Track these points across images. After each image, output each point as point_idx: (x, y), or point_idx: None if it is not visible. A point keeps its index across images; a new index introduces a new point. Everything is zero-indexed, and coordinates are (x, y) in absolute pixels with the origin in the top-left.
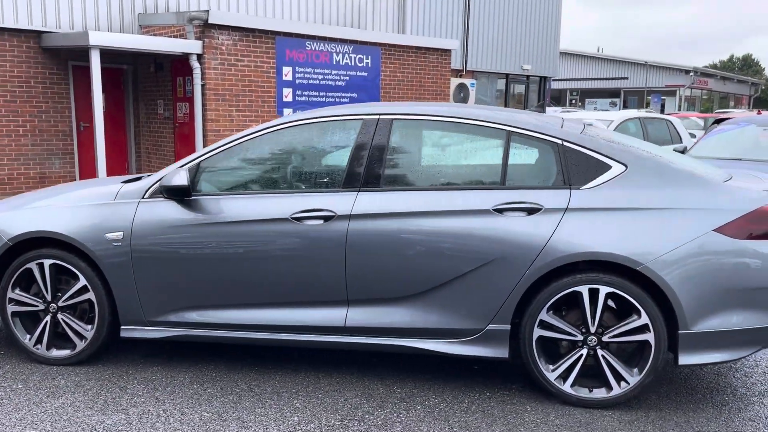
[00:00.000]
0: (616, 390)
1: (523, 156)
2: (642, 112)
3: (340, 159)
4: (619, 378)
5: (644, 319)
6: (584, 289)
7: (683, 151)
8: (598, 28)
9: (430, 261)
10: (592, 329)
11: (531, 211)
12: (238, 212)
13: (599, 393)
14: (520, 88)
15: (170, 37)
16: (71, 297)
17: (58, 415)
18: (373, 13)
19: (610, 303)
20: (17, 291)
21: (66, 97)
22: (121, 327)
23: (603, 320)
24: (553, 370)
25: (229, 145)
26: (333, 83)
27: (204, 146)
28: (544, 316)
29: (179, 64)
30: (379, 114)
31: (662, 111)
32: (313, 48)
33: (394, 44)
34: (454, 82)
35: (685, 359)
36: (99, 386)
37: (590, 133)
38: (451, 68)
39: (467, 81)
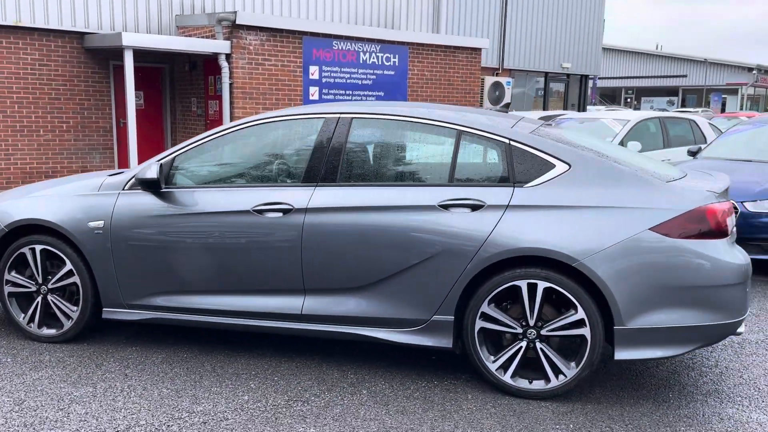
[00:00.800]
0: (554, 382)
1: (472, 154)
2: (663, 112)
3: (303, 155)
4: (557, 371)
5: (581, 314)
6: (523, 284)
7: (696, 152)
8: (660, 25)
9: (379, 253)
10: (531, 323)
11: (474, 208)
12: (206, 204)
13: (538, 385)
14: (559, 87)
15: (202, 37)
16: (59, 280)
17: (34, 386)
18: (407, 13)
19: (551, 297)
20: (13, 273)
21: (107, 95)
22: (103, 309)
23: (542, 314)
24: (494, 361)
25: (201, 141)
26: (359, 82)
27: None
28: (485, 308)
29: (211, 63)
30: (340, 113)
31: (723, 110)
32: (340, 47)
33: (422, 43)
34: (489, 80)
35: (621, 354)
36: (78, 362)
37: (541, 133)
38: (485, 67)
39: (503, 79)
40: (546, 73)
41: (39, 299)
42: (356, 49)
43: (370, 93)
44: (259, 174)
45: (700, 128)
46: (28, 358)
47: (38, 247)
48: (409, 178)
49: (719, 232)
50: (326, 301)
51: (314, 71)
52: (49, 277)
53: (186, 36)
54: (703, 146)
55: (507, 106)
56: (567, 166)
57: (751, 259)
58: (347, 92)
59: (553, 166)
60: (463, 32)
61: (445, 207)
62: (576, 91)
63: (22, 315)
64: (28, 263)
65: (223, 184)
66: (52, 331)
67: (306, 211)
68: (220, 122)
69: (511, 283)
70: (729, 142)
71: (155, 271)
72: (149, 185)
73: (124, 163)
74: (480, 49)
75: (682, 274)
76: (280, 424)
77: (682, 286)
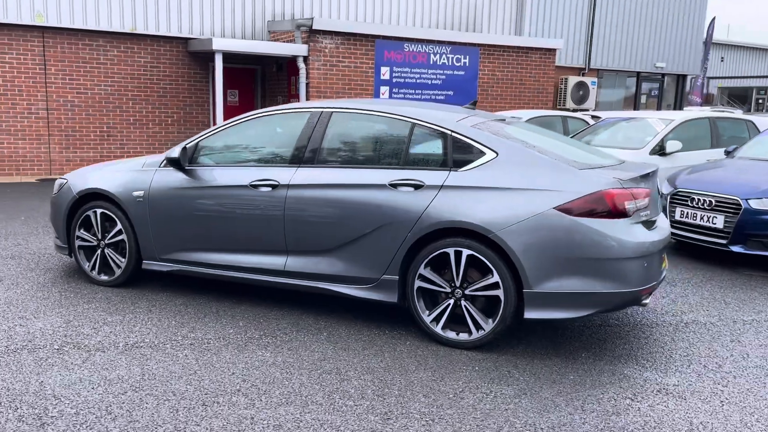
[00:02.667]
0: (475, 335)
1: (422, 143)
2: (716, 113)
3: (292, 142)
4: (477, 325)
5: (496, 278)
6: (451, 251)
7: (732, 152)
8: None
9: (342, 222)
10: (457, 284)
11: (417, 187)
12: (216, 179)
13: (463, 336)
14: (653, 87)
15: (285, 42)
16: (112, 237)
17: (81, 313)
18: (489, 15)
19: (475, 263)
20: (82, 231)
21: (206, 93)
22: (143, 261)
23: (468, 277)
24: (429, 315)
25: (219, 129)
26: (429, 82)
27: None
28: (422, 271)
29: (293, 65)
30: (323, 108)
31: None
32: (411, 49)
33: (493, 44)
34: (573, 80)
35: (529, 314)
36: (119, 300)
37: (481, 127)
38: (570, 67)
39: (588, 79)
40: (638, 73)
41: (99, 252)
42: (427, 50)
43: (440, 92)
44: (257, 156)
45: (758, 129)
46: (86, 295)
47: (98, 211)
48: (371, 161)
49: (617, 213)
50: (303, 260)
51: (385, 72)
52: (106, 235)
53: (274, 41)
54: (739, 146)
55: (474, 103)
56: (495, 154)
57: (755, 255)
58: (417, 91)
59: (483, 153)
60: (548, 33)
61: (394, 186)
62: (672, 91)
63: (87, 264)
64: (92, 223)
65: (230, 164)
66: (107, 277)
67: (288, 186)
68: None
69: (442, 250)
70: (764, 141)
71: (178, 232)
72: (173, 163)
73: None
74: (554, 50)
75: (580, 247)
76: (246, 349)
77: (581, 258)
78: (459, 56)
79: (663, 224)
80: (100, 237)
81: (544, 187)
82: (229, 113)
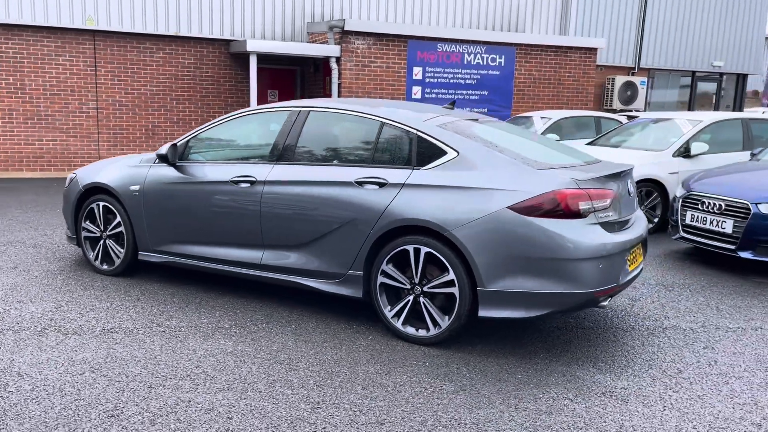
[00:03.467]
0: (432, 331)
1: (390, 141)
2: (749, 114)
3: (270, 139)
4: (435, 322)
5: (451, 275)
6: (411, 249)
7: (757, 154)
8: None
9: (312, 218)
10: (416, 281)
11: (381, 185)
12: (202, 175)
13: (421, 332)
14: (710, 87)
15: (321, 43)
16: (113, 229)
17: (73, 298)
18: (533, 14)
19: (433, 261)
20: (87, 223)
21: (246, 94)
22: (139, 252)
23: (427, 274)
24: (390, 311)
25: (208, 127)
26: (463, 82)
27: None
28: (384, 267)
29: (328, 66)
30: (300, 107)
31: None
32: (444, 49)
33: (530, 44)
34: (621, 80)
35: (483, 312)
36: (113, 288)
37: (446, 127)
38: (619, 66)
39: (637, 79)
40: (693, 73)
41: (101, 242)
42: (461, 50)
43: (473, 92)
44: (241, 153)
45: None
46: (85, 283)
47: (101, 204)
48: (341, 159)
49: (570, 213)
50: (277, 254)
51: (417, 72)
52: (107, 226)
53: (312, 42)
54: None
55: (452, 104)
56: (456, 153)
57: (761, 261)
58: (450, 91)
59: (445, 153)
60: (594, 31)
61: (360, 183)
62: (731, 91)
63: (92, 253)
64: (95, 216)
65: (216, 160)
66: (107, 267)
67: (265, 183)
68: None
69: (402, 247)
70: None
71: (169, 225)
72: (163, 159)
73: None
74: (595, 49)
75: (533, 247)
76: (212, 337)
77: (533, 257)
78: (494, 56)
79: (638, 225)
80: (102, 229)
81: (499, 186)
82: None
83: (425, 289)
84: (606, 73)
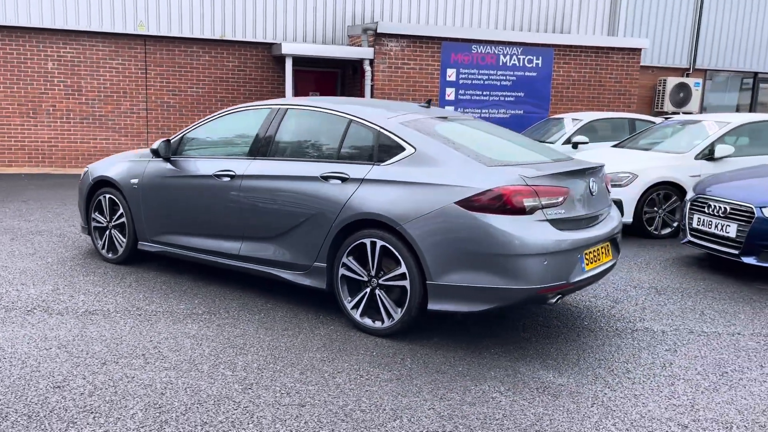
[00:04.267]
0: (387, 323)
1: (356, 138)
2: None
3: (252, 135)
4: (389, 314)
5: (403, 269)
6: (368, 242)
7: None
8: None
9: (283, 211)
10: (373, 273)
11: (343, 180)
12: (190, 170)
13: (377, 324)
14: None
15: (359, 46)
16: (117, 219)
17: (70, 283)
18: (578, 16)
19: (389, 254)
20: (96, 213)
21: (285, 95)
22: (138, 242)
23: (383, 267)
24: (350, 302)
25: (200, 124)
26: (498, 83)
27: None
28: (345, 259)
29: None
30: (279, 105)
31: None
32: (479, 51)
33: (569, 45)
34: (673, 81)
35: (432, 305)
36: (113, 275)
37: (409, 125)
38: (672, 67)
39: (691, 81)
40: (755, 74)
41: (107, 232)
42: (496, 52)
43: (509, 94)
44: (225, 148)
45: None
46: (89, 270)
47: (107, 196)
48: (311, 154)
49: (515, 210)
50: (253, 246)
51: (451, 73)
52: (113, 217)
53: (351, 45)
54: None
55: (429, 102)
56: (413, 150)
57: (765, 267)
58: (484, 93)
59: (403, 149)
60: (645, 31)
61: (325, 178)
62: None
63: (99, 242)
64: (102, 207)
65: (204, 155)
66: (112, 255)
67: (243, 177)
68: None
69: (360, 241)
70: None
71: (162, 216)
72: (154, 153)
73: None
74: (639, 50)
75: (478, 242)
76: (181, 322)
77: (478, 252)
78: (531, 57)
79: (606, 223)
80: (108, 219)
81: (449, 182)
82: None
83: (381, 281)
84: (658, 75)
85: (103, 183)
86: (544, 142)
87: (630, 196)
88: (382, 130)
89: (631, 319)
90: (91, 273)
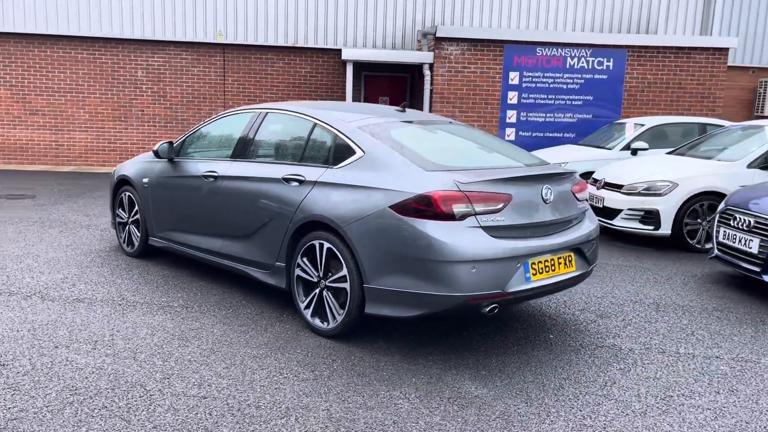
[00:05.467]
0: (331, 324)
1: (317, 141)
2: None
3: (235, 138)
4: (333, 315)
5: (344, 271)
6: (317, 243)
7: None
8: None
9: (252, 211)
10: (321, 275)
11: (300, 182)
12: (185, 170)
13: (324, 324)
14: None
15: (420, 50)
16: (134, 215)
17: (81, 273)
18: (667, 15)
19: (334, 255)
20: (119, 210)
21: (358, 99)
22: (149, 237)
23: (330, 269)
24: (303, 302)
25: (199, 127)
26: (564, 86)
27: None
28: (299, 260)
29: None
30: (261, 109)
31: None
32: (544, 53)
33: (644, 45)
34: None
35: (369, 308)
36: (125, 266)
37: (365, 129)
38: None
39: None
40: None
41: (127, 228)
42: (563, 54)
43: (576, 97)
44: (215, 150)
45: None
46: (105, 261)
47: (126, 194)
48: (278, 156)
49: (444, 215)
50: (230, 244)
51: (514, 77)
52: (131, 213)
53: (419, 50)
54: None
55: (404, 106)
56: (362, 153)
57: None
58: (549, 96)
59: (354, 152)
60: (744, 30)
61: (286, 180)
62: None
63: (121, 237)
64: (124, 204)
65: (198, 157)
66: (129, 249)
67: (223, 178)
68: None
69: (311, 242)
70: None
71: (164, 213)
72: (155, 155)
73: None
74: (726, 49)
75: (408, 246)
76: (152, 313)
77: (408, 257)
78: (601, 59)
79: (569, 233)
80: (127, 215)
81: (388, 186)
82: None
83: (327, 283)
84: (759, 76)
85: (125, 182)
86: (601, 148)
87: (668, 206)
88: (338, 134)
89: (603, 335)
90: (106, 265)
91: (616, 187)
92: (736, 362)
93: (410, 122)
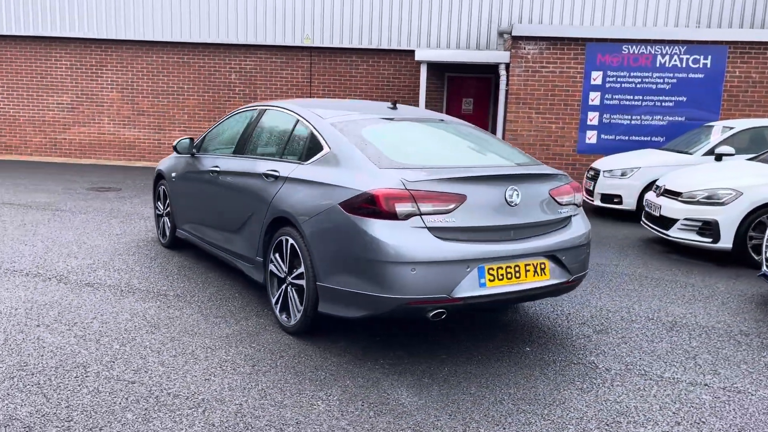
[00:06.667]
0: (293, 320)
1: (297, 137)
2: None
3: (238, 134)
4: (294, 312)
5: (303, 268)
6: (284, 239)
7: None
8: None
9: (238, 205)
10: (287, 271)
11: (276, 178)
12: (199, 165)
13: (288, 321)
14: None
15: (506, 50)
16: (165, 208)
17: (108, 259)
18: None
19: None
20: (158, 203)
21: (440, 101)
22: (176, 229)
23: (294, 265)
24: (274, 297)
25: (217, 124)
26: (654, 86)
27: None
28: (272, 256)
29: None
30: (261, 106)
31: None
32: (631, 51)
33: (750, 41)
34: None
35: (321, 307)
36: (153, 254)
37: (338, 124)
38: None
39: None
40: None
41: (162, 220)
42: (652, 51)
43: (667, 98)
44: (224, 146)
45: None
46: (138, 250)
47: (161, 188)
48: (266, 152)
49: (386, 214)
50: (226, 237)
51: (597, 77)
52: (164, 205)
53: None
54: None
55: (394, 103)
56: (329, 150)
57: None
58: (636, 97)
59: (322, 148)
60: None
61: (267, 176)
62: None
63: (158, 228)
64: (160, 198)
65: (210, 153)
66: (163, 240)
67: (222, 173)
68: (492, 126)
69: (279, 238)
70: None
71: (184, 206)
72: (174, 150)
73: None
74: None
75: (352, 245)
76: (145, 300)
77: (352, 256)
78: (697, 56)
79: (540, 239)
80: (163, 208)
81: (341, 183)
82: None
83: (290, 279)
84: None
85: (160, 176)
86: (683, 152)
87: (729, 217)
88: (312, 129)
89: (586, 352)
90: (137, 254)
91: (675, 195)
92: (726, 392)
93: (391, 119)
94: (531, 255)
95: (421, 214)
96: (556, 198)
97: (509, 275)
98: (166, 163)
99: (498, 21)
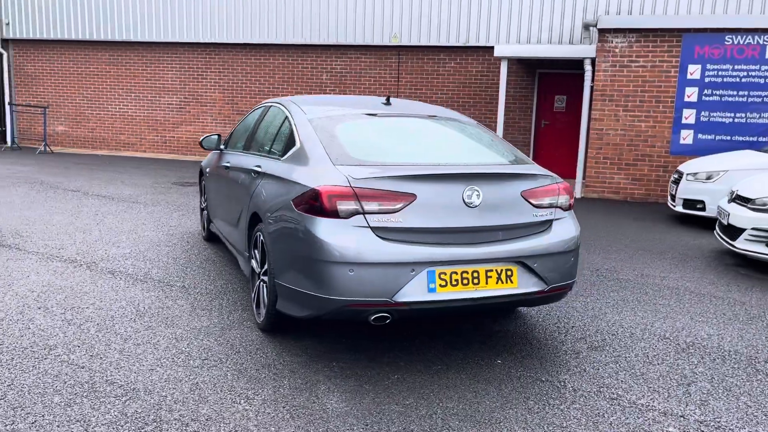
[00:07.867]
0: (260, 318)
1: (283, 133)
2: None
3: (249, 130)
4: (262, 308)
5: (266, 265)
6: (258, 235)
7: None
8: None
9: (235, 201)
10: (260, 267)
11: (258, 173)
12: (222, 161)
13: (260, 317)
14: None
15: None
16: (204, 202)
17: (145, 252)
18: None
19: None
20: (202, 197)
21: (530, 99)
22: (210, 222)
23: (265, 261)
24: (252, 292)
25: (241, 120)
26: (762, 81)
27: (586, 143)
28: (252, 251)
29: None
30: (269, 103)
31: None
32: (736, 42)
33: None
34: None
35: (278, 305)
36: (188, 246)
37: (314, 120)
38: None
39: None
40: None
41: (203, 213)
42: (761, 42)
43: None
44: (240, 143)
45: None
46: (178, 241)
47: (202, 182)
48: (260, 148)
49: (328, 212)
50: (230, 231)
51: (694, 70)
52: (203, 200)
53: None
54: None
55: (388, 99)
56: (299, 146)
57: None
58: (740, 93)
59: (295, 144)
60: None
61: (253, 172)
62: None
63: (201, 223)
64: (203, 192)
65: (230, 149)
66: (204, 233)
67: (230, 168)
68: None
69: (256, 234)
70: None
71: (212, 200)
72: (201, 145)
73: (539, 159)
74: None
75: (297, 242)
76: (151, 289)
77: (297, 254)
78: None
79: (506, 243)
80: (202, 202)
81: (296, 179)
82: (552, 119)
83: (261, 275)
84: None
85: (201, 171)
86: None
87: None
88: (293, 126)
89: (562, 370)
90: (175, 245)
91: (746, 201)
92: (701, 427)
93: (374, 115)
94: (494, 260)
95: (364, 213)
96: (530, 200)
97: (465, 281)
98: (207, 158)
99: (583, 13)
